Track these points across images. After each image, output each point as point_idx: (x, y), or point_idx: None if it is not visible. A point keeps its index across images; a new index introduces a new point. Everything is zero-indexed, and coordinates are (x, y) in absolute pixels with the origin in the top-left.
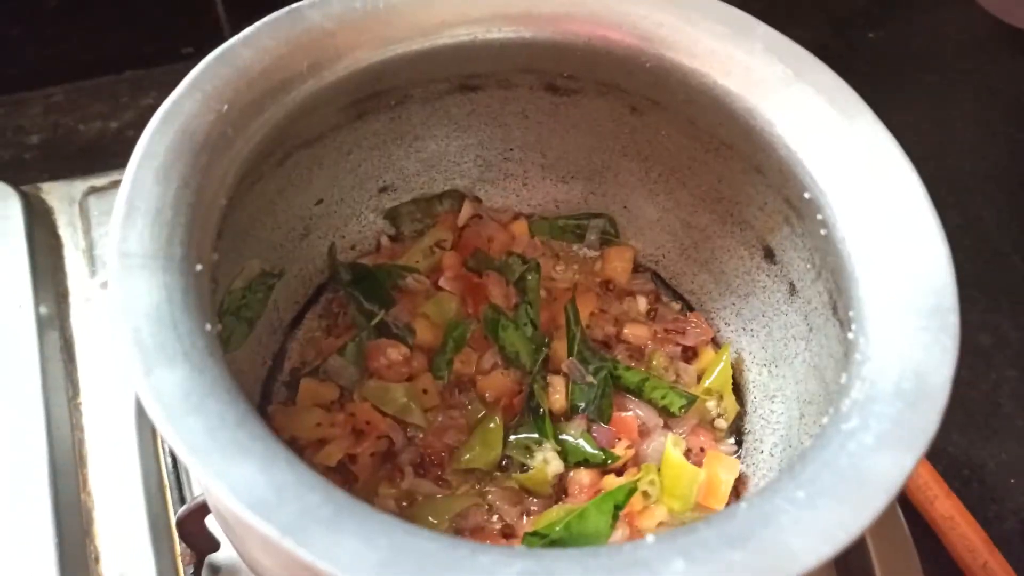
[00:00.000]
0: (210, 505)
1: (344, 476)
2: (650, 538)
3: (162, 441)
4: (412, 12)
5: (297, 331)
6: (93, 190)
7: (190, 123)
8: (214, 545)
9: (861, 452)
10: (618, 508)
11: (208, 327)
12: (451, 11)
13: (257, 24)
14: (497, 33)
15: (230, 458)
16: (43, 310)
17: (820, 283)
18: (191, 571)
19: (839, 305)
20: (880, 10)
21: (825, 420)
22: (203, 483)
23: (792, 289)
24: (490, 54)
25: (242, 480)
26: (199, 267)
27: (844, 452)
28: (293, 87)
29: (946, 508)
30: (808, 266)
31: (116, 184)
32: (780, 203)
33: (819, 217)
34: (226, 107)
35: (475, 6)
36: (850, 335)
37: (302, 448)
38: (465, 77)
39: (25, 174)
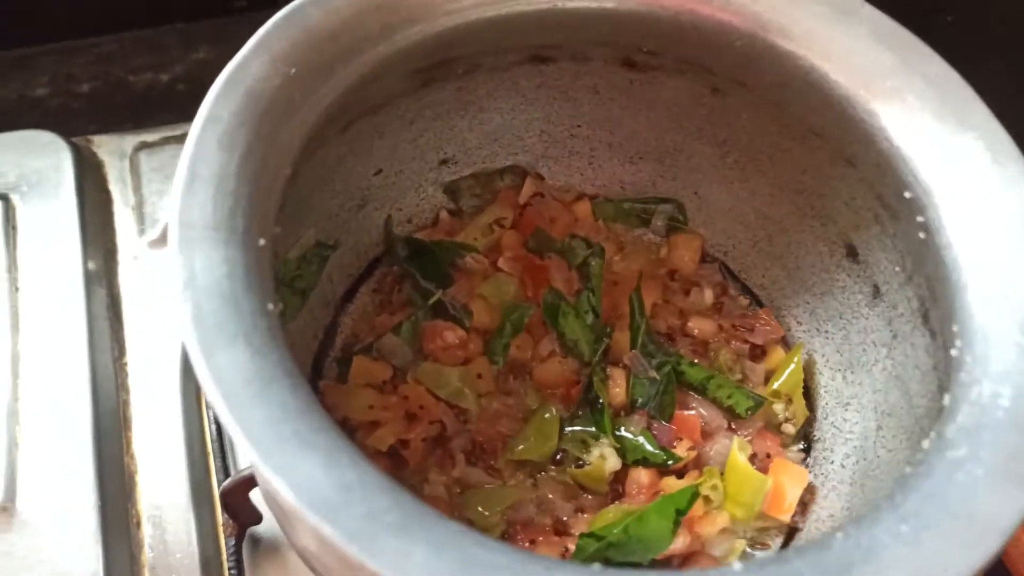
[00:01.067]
0: (263, 490)
1: (394, 460)
2: (737, 566)
3: (207, 406)
4: None
5: (349, 305)
6: (144, 145)
7: (256, 86)
8: (256, 518)
9: (971, 485)
10: (680, 514)
11: (270, 306)
12: None
13: None
14: (579, 2)
15: (293, 453)
16: (91, 266)
17: (910, 288)
18: (232, 542)
19: (932, 314)
20: None
21: (927, 444)
22: (263, 477)
23: (876, 291)
24: (569, 24)
25: (306, 479)
26: (262, 241)
27: (952, 484)
28: (363, 51)
29: None
30: (897, 268)
31: (167, 140)
32: (871, 199)
33: (919, 219)
34: (294, 70)
35: None
36: (953, 352)
37: (353, 429)
38: (538, 47)
39: (74, 124)
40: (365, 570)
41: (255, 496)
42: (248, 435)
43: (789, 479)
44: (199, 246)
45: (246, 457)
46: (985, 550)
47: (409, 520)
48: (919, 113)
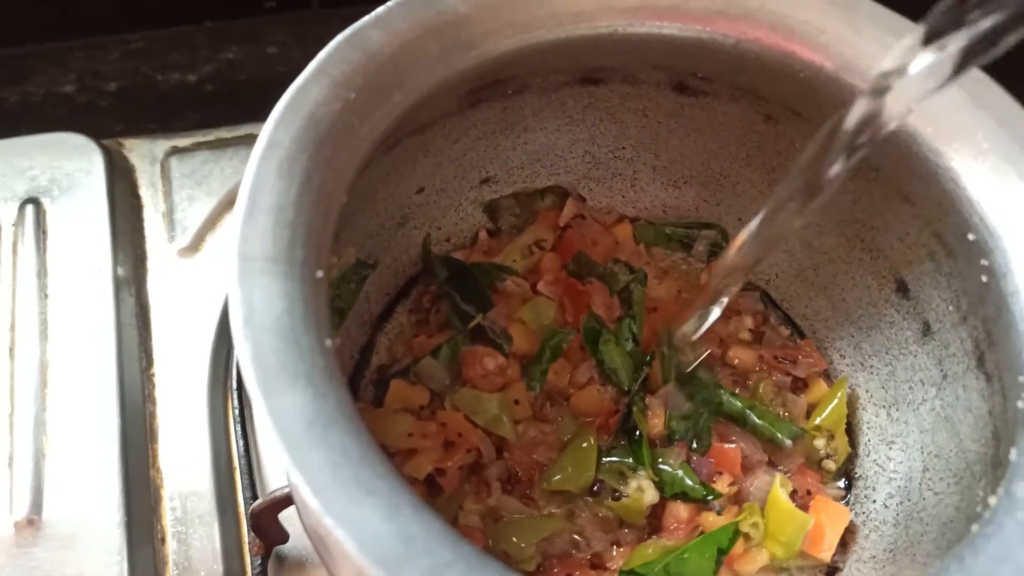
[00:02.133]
0: (311, 527)
1: (429, 487)
2: None
3: (234, 421)
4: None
5: (386, 325)
6: (175, 150)
7: (316, 111)
8: (284, 538)
9: None
10: (722, 553)
11: (328, 342)
12: (593, 0)
13: (388, 4)
14: (639, 27)
15: (355, 501)
16: (121, 272)
17: (964, 329)
18: (258, 562)
19: (988, 357)
20: None
21: (993, 501)
22: (325, 526)
23: (926, 329)
24: (625, 48)
25: (367, 528)
26: (319, 273)
27: None
28: (421, 74)
29: None
30: (951, 308)
31: (199, 146)
32: (928, 237)
33: (983, 263)
34: (353, 95)
35: None
36: (1020, 403)
37: (391, 455)
38: (590, 70)
39: (101, 122)
40: None
41: (284, 516)
42: (310, 482)
43: (830, 518)
44: (258, 280)
45: (309, 504)
46: None
47: (473, 573)
48: (988, 155)
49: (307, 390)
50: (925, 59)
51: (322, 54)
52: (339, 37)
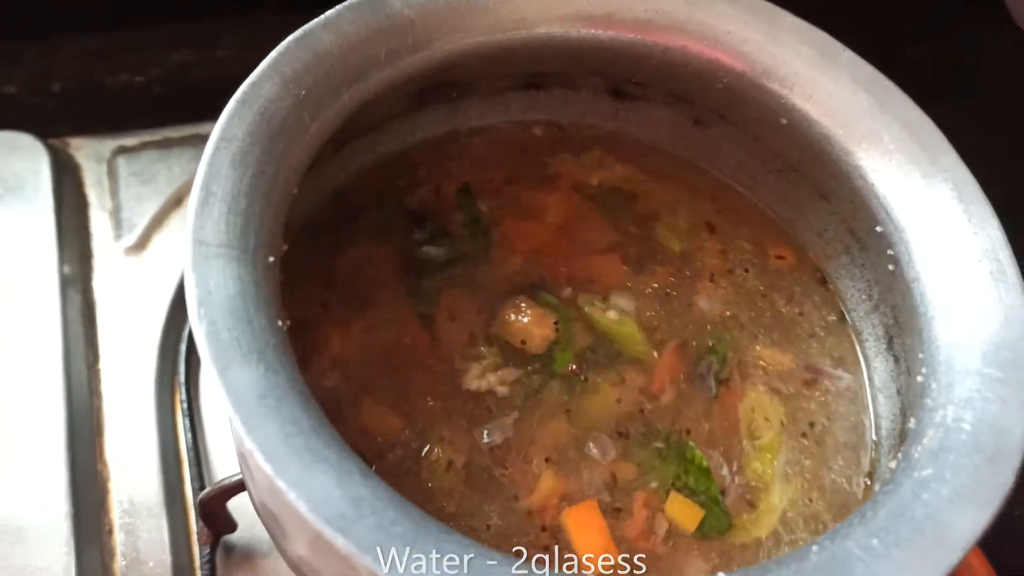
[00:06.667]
0: (259, 501)
1: None
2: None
3: (183, 415)
4: (493, 6)
5: None
6: (122, 150)
7: (268, 107)
8: (232, 527)
9: (937, 504)
10: None
11: (280, 323)
12: (533, 7)
13: (338, 8)
14: (576, 34)
15: (306, 467)
16: (67, 270)
17: (876, 316)
18: (206, 550)
19: (896, 341)
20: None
21: (893, 464)
22: (277, 490)
23: (840, 317)
24: (564, 54)
25: (319, 492)
26: (271, 259)
27: (919, 502)
28: (370, 75)
29: None
30: (864, 297)
31: (146, 145)
32: (843, 232)
33: (889, 252)
34: (304, 92)
35: (557, 4)
36: (919, 378)
37: None
38: (532, 75)
39: (49, 124)
40: None
41: (232, 505)
42: (263, 449)
43: None
44: (213, 263)
45: (258, 470)
46: (949, 564)
47: (417, 531)
48: (893, 154)
49: (260, 365)
50: None
51: (274, 53)
52: (290, 37)
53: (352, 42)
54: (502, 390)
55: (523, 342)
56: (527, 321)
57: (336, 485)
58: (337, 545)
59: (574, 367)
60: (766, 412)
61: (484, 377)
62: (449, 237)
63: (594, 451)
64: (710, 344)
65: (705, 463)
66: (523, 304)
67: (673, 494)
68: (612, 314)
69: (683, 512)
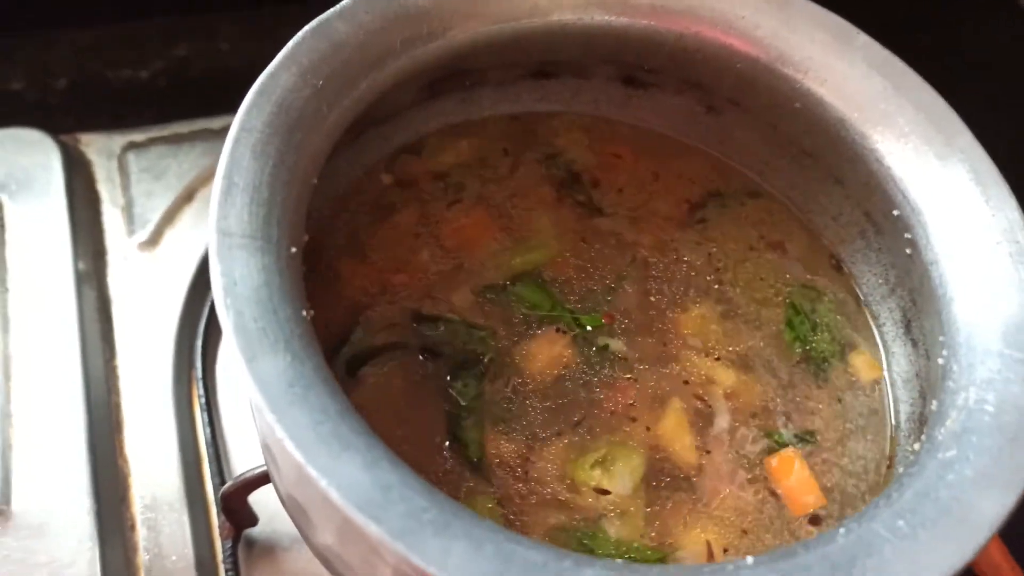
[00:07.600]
0: (286, 491)
1: None
2: (749, 559)
3: (201, 410)
4: None
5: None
6: (132, 145)
7: (286, 97)
8: (253, 520)
9: (961, 485)
10: None
11: (304, 312)
12: None
13: None
14: (588, 20)
15: (335, 455)
16: (81, 267)
17: (893, 300)
18: (228, 544)
19: (914, 325)
20: (928, 14)
21: (917, 446)
22: (307, 477)
23: (857, 302)
24: (577, 41)
25: (349, 479)
26: (293, 249)
27: (943, 484)
28: (385, 64)
29: None
30: (880, 281)
31: (155, 141)
32: (859, 216)
33: (907, 236)
34: (321, 82)
35: None
36: (940, 360)
37: None
38: (543, 63)
39: (52, 119)
40: (408, 565)
41: (253, 498)
42: (293, 437)
43: None
44: (237, 254)
45: (287, 458)
46: (975, 545)
47: (447, 517)
48: (909, 137)
49: (287, 355)
50: None
51: (290, 44)
52: (306, 28)
53: (368, 31)
54: None
55: None
56: None
57: (365, 472)
58: (369, 532)
59: None
60: None
61: None
62: None
63: None
64: None
65: None
66: None
67: None
68: None
69: None
